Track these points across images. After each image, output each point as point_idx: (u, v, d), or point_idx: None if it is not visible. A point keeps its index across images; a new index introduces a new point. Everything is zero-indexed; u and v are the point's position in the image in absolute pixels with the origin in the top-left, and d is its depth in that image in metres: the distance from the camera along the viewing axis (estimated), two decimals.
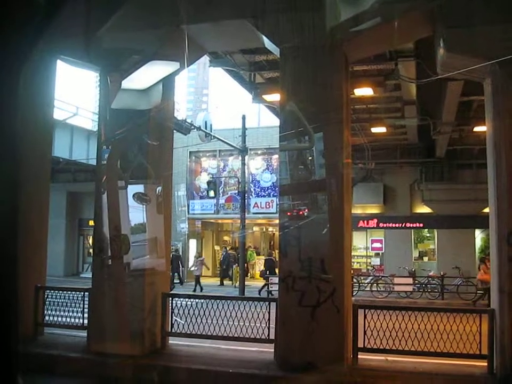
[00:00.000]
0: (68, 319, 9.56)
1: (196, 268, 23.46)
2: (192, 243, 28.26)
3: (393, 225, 25.27)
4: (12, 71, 1.63)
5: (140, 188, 9.11)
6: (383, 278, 21.59)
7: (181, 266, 23.78)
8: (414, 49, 12.41)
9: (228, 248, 28.17)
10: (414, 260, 25.28)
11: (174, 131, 12.64)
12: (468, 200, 22.13)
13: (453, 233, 23.72)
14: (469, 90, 13.58)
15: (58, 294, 9.74)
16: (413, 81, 13.86)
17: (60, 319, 9.54)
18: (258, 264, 29.03)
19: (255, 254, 29.72)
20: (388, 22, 7.69)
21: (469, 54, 7.63)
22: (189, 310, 8.88)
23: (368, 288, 20.75)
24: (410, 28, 8.60)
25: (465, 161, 23.23)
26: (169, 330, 8.92)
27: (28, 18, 1.64)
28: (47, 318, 9.57)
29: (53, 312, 9.56)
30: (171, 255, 24.04)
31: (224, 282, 25.80)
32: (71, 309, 9.59)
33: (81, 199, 29.54)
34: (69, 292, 9.92)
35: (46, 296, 9.57)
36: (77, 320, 9.39)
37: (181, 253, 25.54)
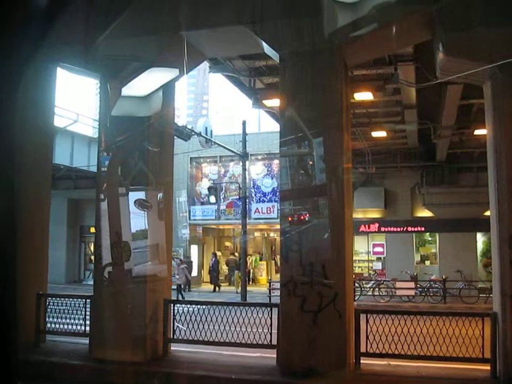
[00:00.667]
0: (70, 326, 9.55)
1: (178, 276, 21.03)
2: (194, 249, 28.19)
3: (395, 229, 25.23)
4: (11, 75, 1.64)
5: (141, 194, 9.11)
6: (385, 283, 21.55)
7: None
8: (413, 53, 12.42)
9: (216, 253, 27.89)
10: (416, 263, 25.20)
11: (175, 137, 12.65)
12: (469, 204, 22.08)
13: (455, 237, 23.68)
14: (468, 94, 13.59)
15: (60, 301, 9.73)
16: (412, 85, 13.87)
17: (61, 326, 9.53)
18: (260, 270, 28.98)
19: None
20: (386, 26, 7.70)
21: (469, 57, 7.62)
22: (190, 316, 8.87)
23: (370, 293, 20.71)
24: (409, 32, 8.62)
25: (466, 165, 23.17)
26: (171, 336, 8.90)
27: (28, 22, 1.64)
28: (49, 325, 9.56)
29: (55, 320, 9.55)
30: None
31: (224, 287, 25.66)
32: (73, 316, 9.59)
33: (82, 206, 29.51)
34: (71, 299, 9.94)
35: (47, 303, 9.56)
36: (78, 327, 9.40)
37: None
